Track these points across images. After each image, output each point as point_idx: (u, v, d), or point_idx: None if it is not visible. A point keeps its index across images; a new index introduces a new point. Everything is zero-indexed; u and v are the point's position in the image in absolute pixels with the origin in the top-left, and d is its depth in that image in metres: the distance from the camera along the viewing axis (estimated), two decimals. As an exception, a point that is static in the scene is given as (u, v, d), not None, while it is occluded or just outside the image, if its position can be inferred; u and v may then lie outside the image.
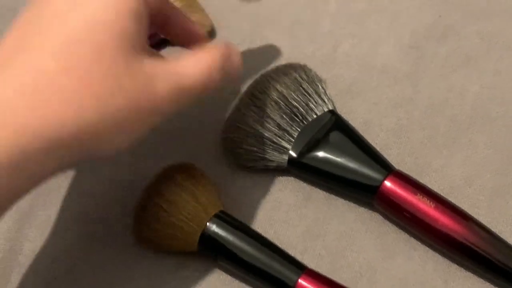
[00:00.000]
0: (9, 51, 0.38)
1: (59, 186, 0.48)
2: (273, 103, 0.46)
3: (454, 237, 0.42)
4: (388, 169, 0.44)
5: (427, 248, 0.44)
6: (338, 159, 0.45)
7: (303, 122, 0.46)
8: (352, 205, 0.46)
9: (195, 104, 0.42)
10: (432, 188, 0.44)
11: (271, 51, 0.52)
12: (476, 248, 0.42)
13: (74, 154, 0.37)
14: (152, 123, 0.39)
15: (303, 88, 0.47)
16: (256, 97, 0.47)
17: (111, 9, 0.37)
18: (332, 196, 0.46)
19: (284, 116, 0.46)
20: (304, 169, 0.46)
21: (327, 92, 0.47)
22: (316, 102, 0.46)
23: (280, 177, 0.47)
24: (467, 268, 0.43)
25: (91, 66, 0.37)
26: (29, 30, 0.38)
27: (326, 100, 0.47)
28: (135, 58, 0.38)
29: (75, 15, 0.37)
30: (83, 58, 0.37)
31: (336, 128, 0.46)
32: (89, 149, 0.37)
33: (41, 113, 0.35)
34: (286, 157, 0.45)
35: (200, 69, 0.41)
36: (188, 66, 0.40)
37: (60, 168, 0.38)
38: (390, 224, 0.45)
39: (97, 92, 0.37)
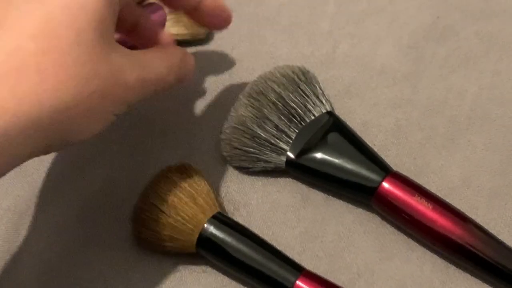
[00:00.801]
0: None
1: (56, 187, 0.48)
2: (271, 104, 0.46)
3: (452, 238, 0.42)
4: (386, 170, 0.44)
5: (425, 249, 0.44)
6: (336, 160, 0.45)
7: (301, 123, 0.46)
8: (350, 206, 0.46)
9: (153, 98, 0.43)
10: (431, 189, 0.44)
11: (270, 52, 0.52)
12: (474, 250, 0.42)
13: (50, 137, 0.37)
14: (119, 111, 0.40)
15: (301, 89, 0.47)
16: (254, 98, 0.47)
17: None
18: (330, 197, 0.46)
19: (282, 117, 0.46)
20: (302, 170, 0.46)
21: (325, 93, 0.47)
22: (314, 103, 0.46)
23: (278, 178, 0.47)
24: (465, 269, 0.43)
25: (70, 49, 0.37)
26: (7, 11, 0.37)
27: (324, 101, 0.47)
28: (110, 45, 0.38)
29: None
30: (62, 40, 0.36)
31: (334, 129, 0.46)
32: (64, 133, 0.38)
33: (19, 94, 0.35)
34: (284, 158, 0.45)
35: (162, 65, 0.42)
36: (153, 61, 0.42)
37: (36, 153, 0.38)
38: (388, 225, 0.45)
39: (74, 75, 0.37)
